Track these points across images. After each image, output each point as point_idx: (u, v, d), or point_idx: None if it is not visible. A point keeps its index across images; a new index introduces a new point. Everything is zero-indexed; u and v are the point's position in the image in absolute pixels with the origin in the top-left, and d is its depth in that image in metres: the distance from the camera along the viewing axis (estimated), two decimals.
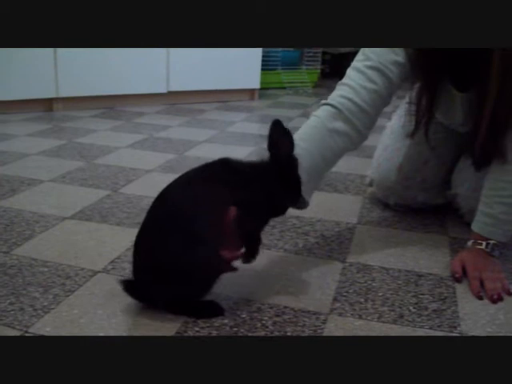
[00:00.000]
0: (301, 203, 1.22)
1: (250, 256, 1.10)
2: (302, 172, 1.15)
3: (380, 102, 1.27)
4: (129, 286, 1.04)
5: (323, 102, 1.28)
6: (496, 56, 1.12)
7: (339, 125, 1.23)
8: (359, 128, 1.25)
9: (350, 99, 1.24)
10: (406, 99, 1.56)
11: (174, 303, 1.04)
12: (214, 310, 1.07)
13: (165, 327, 1.01)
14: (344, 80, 1.28)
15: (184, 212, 0.99)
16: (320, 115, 1.25)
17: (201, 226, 0.99)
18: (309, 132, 1.22)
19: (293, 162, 1.10)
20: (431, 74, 1.27)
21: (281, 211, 1.15)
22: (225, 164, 1.07)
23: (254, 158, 1.11)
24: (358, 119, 1.24)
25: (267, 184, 1.07)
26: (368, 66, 1.26)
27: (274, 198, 1.09)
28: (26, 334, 0.96)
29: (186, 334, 0.99)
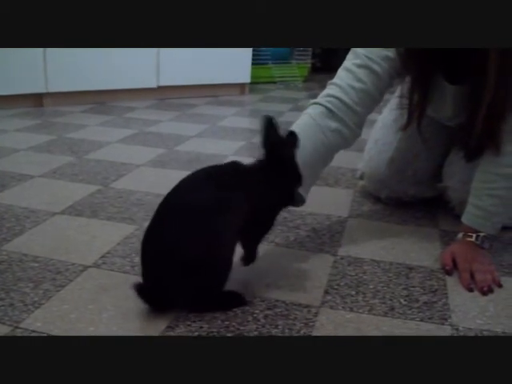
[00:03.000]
0: (298, 200, 1.22)
1: (250, 260, 1.14)
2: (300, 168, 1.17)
3: (369, 101, 1.28)
4: (144, 291, 1.00)
5: (313, 101, 1.29)
6: (493, 52, 1.11)
7: (331, 122, 1.25)
8: (350, 126, 1.26)
9: (338, 98, 1.25)
10: (397, 93, 1.56)
11: (196, 300, 1.03)
12: (238, 300, 1.07)
13: (156, 321, 1.01)
14: (334, 80, 1.30)
15: (202, 208, 0.97)
16: (311, 113, 1.27)
17: (219, 221, 0.98)
18: (302, 129, 1.23)
19: (292, 156, 1.12)
20: (423, 67, 1.27)
21: (289, 200, 1.17)
22: (235, 166, 1.07)
23: (245, 157, 1.11)
24: (349, 118, 1.26)
25: (271, 181, 1.08)
26: (357, 65, 1.27)
27: (279, 191, 1.11)
28: (17, 330, 0.95)
29: (177, 328, 0.99)
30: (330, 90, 1.28)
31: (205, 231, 0.97)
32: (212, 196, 0.98)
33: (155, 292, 1.00)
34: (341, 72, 1.30)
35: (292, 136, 1.12)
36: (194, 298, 1.02)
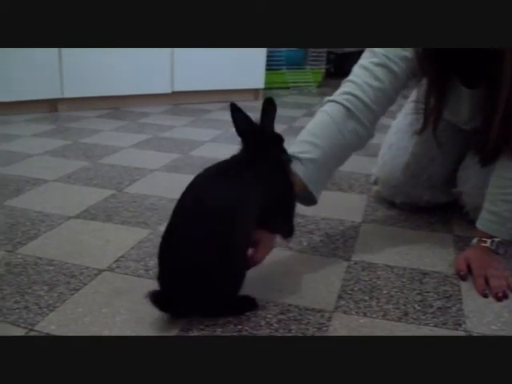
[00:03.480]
0: (309, 199, 1.22)
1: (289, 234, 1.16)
2: (314, 168, 1.17)
3: (386, 100, 1.27)
4: (158, 298, 0.99)
5: (329, 98, 1.27)
6: (509, 52, 1.11)
7: (348, 121, 1.22)
8: (367, 126, 1.25)
9: (356, 96, 1.24)
10: (412, 98, 1.56)
11: (210, 307, 1.02)
12: (250, 304, 1.07)
13: (169, 325, 1.01)
14: (350, 77, 1.28)
15: (220, 210, 0.97)
16: (329, 112, 1.24)
17: (237, 222, 0.98)
18: (319, 128, 1.22)
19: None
20: (440, 70, 1.26)
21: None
22: (237, 158, 1.08)
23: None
24: (366, 117, 1.24)
25: (268, 156, 1.10)
26: (374, 63, 1.25)
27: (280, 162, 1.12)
28: (31, 333, 0.96)
29: (190, 332, 0.99)
30: (347, 87, 1.26)
31: (219, 234, 0.96)
32: (225, 196, 0.98)
33: (170, 299, 0.99)
34: (357, 70, 1.28)
35: (269, 102, 1.11)
36: (209, 303, 1.02)
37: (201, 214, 0.96)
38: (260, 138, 1.09)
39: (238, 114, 1.09)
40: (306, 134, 1.22)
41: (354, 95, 1.24)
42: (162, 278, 1.00)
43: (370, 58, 1.27)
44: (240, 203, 0.99)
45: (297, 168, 1.16)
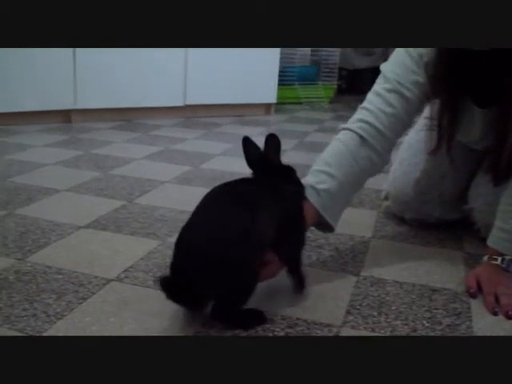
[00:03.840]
0: (327, 227, 1.26)
1: (300, 285, 1.17)
2: (329, 197, 1.20)
3: (400, 126, 1.29)
4: (168, 285, 0.98)
5: (343, 126, 1.29)
6: None
7: (362, 149, 1.24)
8: (381, 152, 1.26)
9: (369, 123, 1.25)
10: (424, 114, 1.56)
11: (220, 310, 1.03)
12: (259, 318, 1.07)
13: (177, 336, 1.01)
14: (364, 104, 1.30)
15: (241, 207, 1.00)
16: (343, 140, 1.27)
17: (255, 224, 1.00)
18: (334, 157, 1.25)
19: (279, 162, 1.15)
20: (452, 91, 1.26)
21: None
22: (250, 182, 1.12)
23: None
24: (379, 143, 1.26)
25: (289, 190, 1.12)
26: (387, 89, 1.27)
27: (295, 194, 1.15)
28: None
29: None
30: (361, 114, 1.28)
31: (237, 229, 0.98)
32: (243, 224, 1.00)
33: (180, 287, 0.98)
34: (371, 96, 1.30)
35: (272, 137, 1.12)
36: (219, 300, 1.02)
37: (223, 210, 1.01)
38: (271, 168, 1.13)
39: (250, 146, 1.14)
40: (321, 163, 1.25)
41: (367, 122, 1.26)
42: (174, 265, 1.00)
43: (382, 84, 1.29)
44: (255, 221, 1.00)
45: (313, 198, 1.20)
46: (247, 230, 0.98)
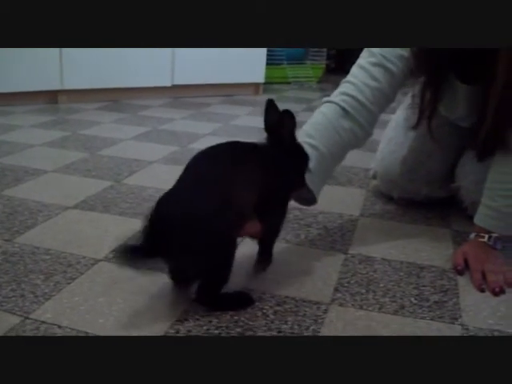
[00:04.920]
0: (309, 199, 1.23)
1: (265, 261, 1.14)
2: (312, 168, 1.17)
3: (383, 100, 1.28)
4: (137, 250, 0.95)
5: (326, 99, 1.29)
6: (504, 49, 1.11)
7: (344, 122, 1.24)
8: (363, 125, 1.26)
9: (353, 97, 1.25)
10: (411, 93, 1.56)
11: (204, 293, 1.02)
12: (246, 300, 1.06)
13: (165, 314, 1.01)
14: (348, 78, 1.30)
15: (216, 176, 0.98)
16: (325, 112, 1.26)
17: (232, 192, 0.97)
18: (315, 129, 1.23)
19: (293, 137, 1.11)
20: (435, 68, 1.27)
21: (301, 182, 1.16)
22: (250, 145, 1.08)
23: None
24: (362, 117, 1.25)
25: (281, 161, 1.09)
26: (372, 63, 1.27)
27: (293, 178, 1.12)
28: (27, 320, 0.96)
29: (186, 322, 0.99)
30: (345, 88, 1.28)
31: (214, 201, 0.95)
32: (226, 170, 0.98)
33: (151, 253, 0.95)
34: (355, 70, 1.30)
35: (287, 115, 1.07)
36: (196, 276, 1.00)
37: (200, 183, 0.98)
38: (282, 142, 1.10)
39: (272, 110, 1.10)
40: (303, 135, 1.23)
41: (350, 95, 1.25)
42: (149, 226, 0.96)
43: (367, 57, 1.28)
44: (237, 176, 0.99)
45: None
46: (222, 200, 0.95)
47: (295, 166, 1.13)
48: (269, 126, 1.11)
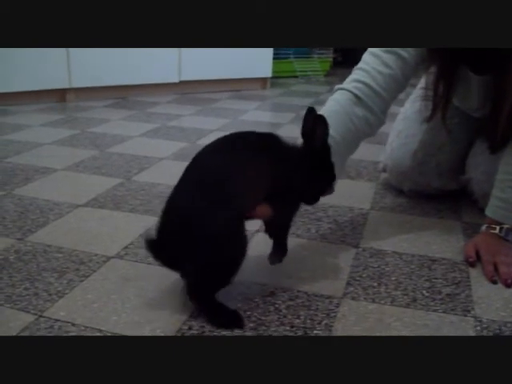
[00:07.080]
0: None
1: (281, 253, 1.13)
2: None
3: (395, 87, 1.27)
4: (154, 246, 0.97)
5: (339, 86, 1.27)
6: None
7: (357, 109, 1.22)
8: (376, 112, 1.24)
9: (366, 84, 1.24)
10: (420, 85, 1.55)
11: (196, 289, 0.99)
12: (235, 320, 0.99)
13: (178, 311, 1.01)
14: (360, 64, 1.28)
15: (219, 173, 0.97)
16: (338, 99, 1.24)
17: (235, 190, 0.96)
18: (328, 116, 1.21)
19: (327, 149, 1.10)
20: (448, 57, 1.25)
21: (314, 199, 1.13)
22: (271, 137, 1.05)
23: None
24: (375, 104, 1.24)
25: (304, 168, 1.07)
26: (384, 50, 1.25)
27: (309, 182, 1.09)
28: (41, 319, 0.97)
29: (199, 318, 0.99)
30: (357, 75, 1.26)
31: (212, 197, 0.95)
32: (230, 161, 0.98)
33: (165, 249, 0.97)
34: (367, 57, 1.28)
35: (319, 120, 1.07)
36: (202, 267, 0.96)
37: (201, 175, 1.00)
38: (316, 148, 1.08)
39: (309, 118, 1.08)
40: None
41: (363, 82, 1.24)
42: (160, 226, 0.98)
43: None
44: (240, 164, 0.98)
45: None
46: (222, 200, 0.94)
47: (315, 180, 1.10)
48: (303, 133, 1.09)
